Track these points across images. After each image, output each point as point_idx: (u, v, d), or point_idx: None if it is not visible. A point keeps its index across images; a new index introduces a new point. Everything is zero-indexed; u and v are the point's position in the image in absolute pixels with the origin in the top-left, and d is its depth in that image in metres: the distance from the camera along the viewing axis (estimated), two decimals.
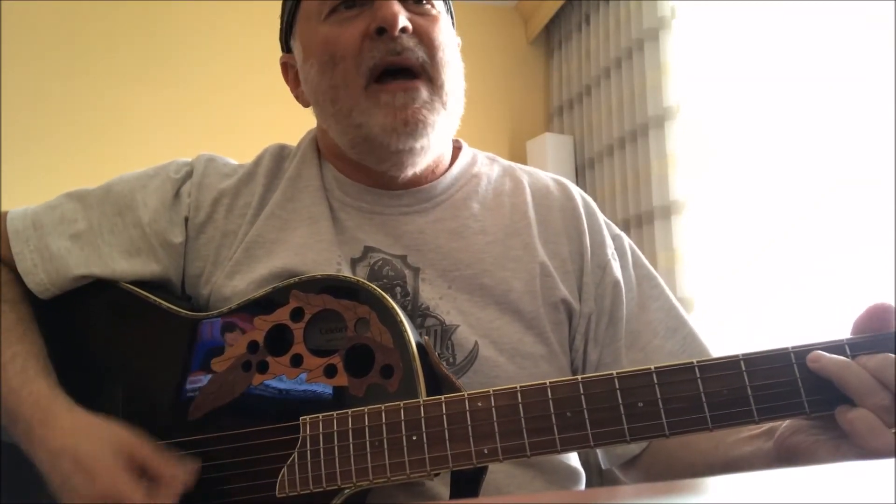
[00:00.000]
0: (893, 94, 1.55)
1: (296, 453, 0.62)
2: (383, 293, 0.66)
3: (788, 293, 1.84)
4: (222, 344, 0.69)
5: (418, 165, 0.78)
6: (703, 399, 0.54)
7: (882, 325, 0.55)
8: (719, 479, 0.36)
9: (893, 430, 0.51)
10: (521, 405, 0.57)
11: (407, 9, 0.75)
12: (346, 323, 0.66)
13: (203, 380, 0.69)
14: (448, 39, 0.78)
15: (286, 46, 0.86)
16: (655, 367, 0.56)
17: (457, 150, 0.88)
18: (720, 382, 0.54)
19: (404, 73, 0.74)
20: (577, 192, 0.88)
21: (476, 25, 2.97)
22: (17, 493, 0.70)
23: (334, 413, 0.61)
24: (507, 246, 0.79)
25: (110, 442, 0.65)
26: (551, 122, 3.04)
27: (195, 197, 0.81)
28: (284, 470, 0.62)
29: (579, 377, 0.58)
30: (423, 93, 0.74)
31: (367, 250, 0.77)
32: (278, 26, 0.87)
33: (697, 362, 0.55)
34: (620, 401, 0.55)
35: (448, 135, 0.81)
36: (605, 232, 0.85)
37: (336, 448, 0.61)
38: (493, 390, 0.58)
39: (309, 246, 0.76)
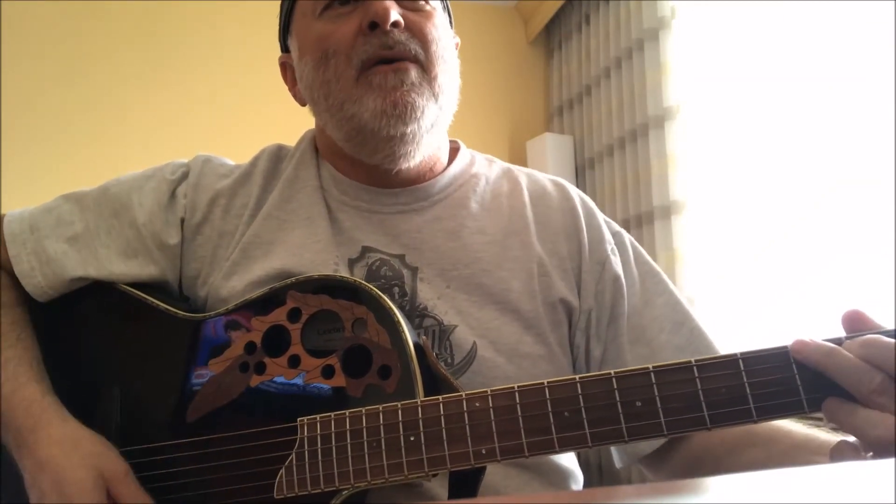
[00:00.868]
0: (893, 94, 1.55)
1: (294, 454, 0.62)
2: (381, 293, 0.65)
3: (788, 293, 1.84)
4: (220, 345, 0.69)
5: (411, 158, 0.77)
6: (702, 398, 0.54)
7: (862, 328, 0.54)
8: (719, 478, 0.36)
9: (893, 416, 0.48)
10: (518, 405, 0.57)
11: (401, 6, 0.75)
12: (344, 323, 0.65)
13: (201, 381, 0.69)
14: (443, 36, 0.78)
15: (284, 46, 0.86)
16: (653, 367, 0.55)
17: (454, 150, 0.88)
18: (719, 381, 0.54)
19: (397, 61, 0.74)
20: (574, 192, 0.87)
21: (476, 25, 2.98)
22: (17, 492, 0.70)
23: (332, 414, 0.61)
24: (505, 246, 0.79)
25: (95, 467, 0.65)
26: (551, 122, 3.04)
27: (191, 198, 0.81)
28: (282, 471, 0.61)
29: (577, 377, 0.57)
30: (413, 74, 0.74)
31: (365, 250, 0.77)
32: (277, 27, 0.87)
33: (695, 361, 0.55)
34: (618, 400, 0.55)
35: (440, 130, 0.80)
36: (605, 229, 0.84)
37: (334, 449, 0.60)
38: (491, 390, 0.58)
39: (306, 246, 0.76)
